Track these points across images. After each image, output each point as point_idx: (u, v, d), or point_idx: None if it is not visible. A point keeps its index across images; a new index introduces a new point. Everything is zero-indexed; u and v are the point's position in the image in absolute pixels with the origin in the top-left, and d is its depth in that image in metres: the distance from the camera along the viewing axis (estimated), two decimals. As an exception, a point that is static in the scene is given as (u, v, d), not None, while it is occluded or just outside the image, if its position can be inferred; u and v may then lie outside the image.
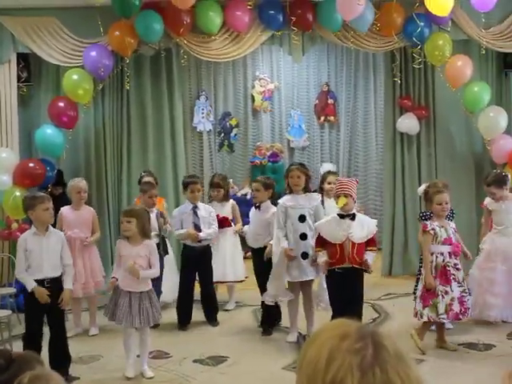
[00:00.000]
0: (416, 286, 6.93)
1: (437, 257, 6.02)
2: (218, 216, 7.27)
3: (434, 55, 8.53)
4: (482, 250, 6.94)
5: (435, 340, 6.18)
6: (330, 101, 11.37)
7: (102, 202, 8.81)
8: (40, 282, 5.53)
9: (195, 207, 7.08)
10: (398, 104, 9.11)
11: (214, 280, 7.31)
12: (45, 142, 8.20)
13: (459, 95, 8.62)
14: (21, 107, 8.66)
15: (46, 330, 5.68)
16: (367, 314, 7.27)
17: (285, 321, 6.99)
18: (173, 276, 7.42)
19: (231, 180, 10.58)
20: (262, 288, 6.68)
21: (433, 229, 6.03)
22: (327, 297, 6.07)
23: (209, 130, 11.13)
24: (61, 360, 5.54)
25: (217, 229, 7.13)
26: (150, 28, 8.03)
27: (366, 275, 5.98)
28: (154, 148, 9.05)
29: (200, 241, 7.05)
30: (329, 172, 7.68)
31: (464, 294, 5.99)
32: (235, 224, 7.67)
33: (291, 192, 6.42)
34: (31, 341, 5.54)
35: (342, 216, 5.79)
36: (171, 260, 7.66)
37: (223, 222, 7.41)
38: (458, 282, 5.98)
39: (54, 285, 5.59)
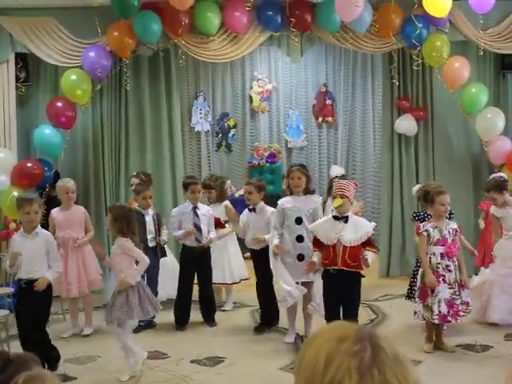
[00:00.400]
0: (410, 287, 6.96)
1: (430, 257, 6.03)
2: None
3: (431, 56, 8.54)
4: (497, 257, 6.93)
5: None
6: (328, 101, 11.38)
7: (99, 202, 8.81)
8: (27, 283, 5.64)
9: (195, 207, 7.09)
10: (395, 105, 9.12)
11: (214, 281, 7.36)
12: (43, 142, 8.19)
13: (457, 96, 8.63)
14: (19, 107, 8.65)
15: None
16: (365, 315, 7.29)
17: (282, 321, 6.99)
18: (169, 278, 7.40)
19: (229, 181, 10.58)
20: (261, 290, 6.69)
21: (426, 230, 6.04)
22: (319, 299, 6.06)
23: (207, 131, 11.13)
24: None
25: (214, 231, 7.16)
26: (149, 28, 8.03)
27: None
28: (152, 148, 9.04)
29: (200, 242, 7.06)
30: (337, 177, 7.64)
31: (455, 297, 5.95)
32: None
33: (292, 193, 6.43)
34: (23, 342, 5.67)
35: (336, 218, 5.78)
36: (168, 262, 7.63)
37: (215, 223, 7.40)
38: (449, 284, 5.96)
39: (30, 287, 5.64)
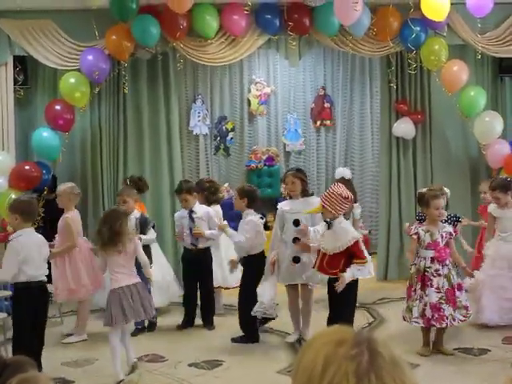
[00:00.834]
0: None
1: (421, 261, 6.05)
2: None
3: (429, 60, 8.56)
4: (487, 256, 6.96)
5: (432, 343, 6.20)
6: (327, 105, 11.38)
7: (97, 206, 8.80)
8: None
9: (191, 211, 7.11)
10: (393, 108, 9.13)
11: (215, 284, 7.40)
12: (41, 145, 8.19)
13: (455, 100, 8.64)
14: (17, 110, 8.64)
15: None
16: (363, 318, 7.30)
17: (279, 325, 7.00)
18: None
19: (226, 184, 10.61)
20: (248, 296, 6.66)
21: (416, 233, 6.06)
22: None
23: (205, 134, 11.13)
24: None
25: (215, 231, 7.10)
26: (147, 32, 8.03)
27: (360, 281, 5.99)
28: (150, 151, 9.03)
29: (196, 246, 7.09)
30: (340, 179, 7.62)
31: (442, 301, 5.93)
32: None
33: (291, 197, 6.47)
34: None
35: (325, 221, 5.85)
36: (161, 266, 7.60)
37: None
38: (436, 288, 5.95)
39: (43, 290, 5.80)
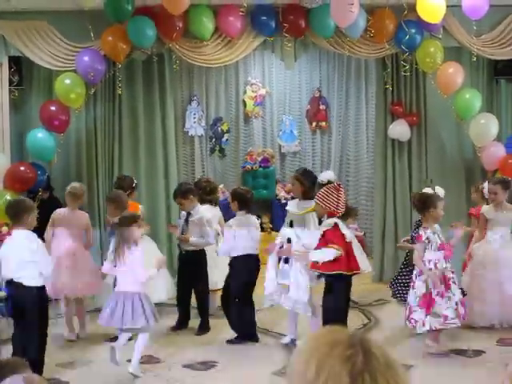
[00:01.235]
0: (401, 291, 7.05)
1: (436, 263, 6.05)
2: None
3: (425, 62, 8.57)
4: (475, 255, 7.01)
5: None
6: (322, 106, 11.39)
7: (93, 207, 8.78)
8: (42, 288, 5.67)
9: (188, 214, 7.11)
10: (389, 110, 9.14)
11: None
12: (36, 146, 8.18)
13: (450, 102, 8.66)
14: (12, 111, 8.63)
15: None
16: (358, 319, 7.31)
17: (276, 326, 7.00)
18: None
19: (222, 185, 10.60)
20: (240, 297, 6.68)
21: (427, 238, 6.09)
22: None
23: (200, 135, 11.13)
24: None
25: (208, 236, 7.03)
26: (143, 33, 8.02)
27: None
28: (146, 153, 9.03)
29: (180, 247, 7.16)
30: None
31: (462, 296, 6.11)
32: None
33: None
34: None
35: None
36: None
37: None
38: (457, 285, 6.09)
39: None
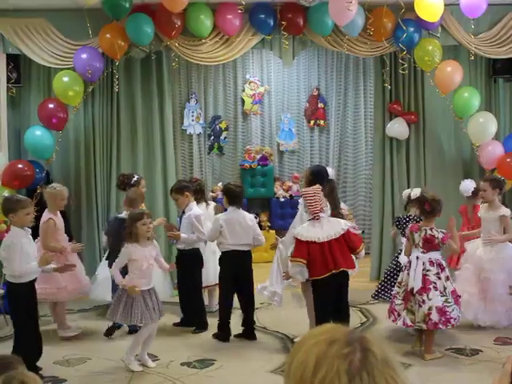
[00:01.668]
0: (386, 288, 7.06)
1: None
2: None
3: (423, 61, 8.57)
4: (467, 252, 7.05)
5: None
6: (320, 105, 11.40)
7: (91, 205, 8.79)
8: (32, 282, 5.62)
9: (183, 213, 7.12)
10: (387, 109, 9.15)
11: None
12: (34, 144, 8.17)
13: (449, 101, 8.66)
14: (10, 108, 8.63)
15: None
16: (356, 318, 7.31)
17: (272, 324, 7.00)
18: None
19: (220, 183, 10.60)
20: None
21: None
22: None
23: (199, 133, 11.13)
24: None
25: (199, 232, 6.99)
26: (141, 31, 8.01)
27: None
28: (144, 151, 9.03)
29: (172, 244, 7.19)
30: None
31: (447, 304, 5.88)
32: None
33: None
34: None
35: None
36: None
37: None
38: (440, 292, 5.90)
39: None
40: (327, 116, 11.47)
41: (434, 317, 5.83)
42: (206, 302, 7.75)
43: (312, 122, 11.44)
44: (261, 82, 11.31)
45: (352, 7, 7.60)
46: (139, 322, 5.91)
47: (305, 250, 5.85)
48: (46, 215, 6.71)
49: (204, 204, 7.60)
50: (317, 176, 6.61)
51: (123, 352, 6.06)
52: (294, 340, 6.52)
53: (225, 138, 11.27)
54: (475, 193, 7.62)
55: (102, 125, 8.84)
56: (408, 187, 8.97)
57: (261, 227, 10.70)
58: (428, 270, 5.94)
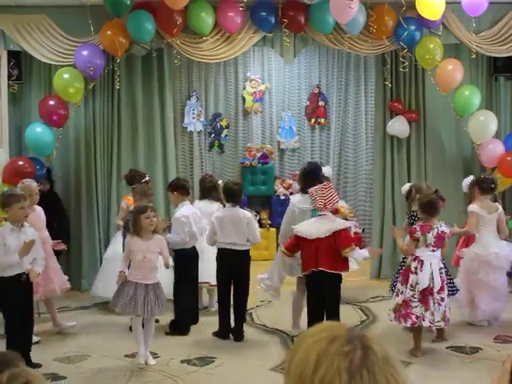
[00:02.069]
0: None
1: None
2: None
3: (424, 59, 8.57)
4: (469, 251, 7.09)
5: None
6: (321, 103, 11.38)
7: (91, 201, 8.79)
8: (16, 277, 5.62)
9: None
10: (388, 107, 9.14)
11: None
12: (34, 141, 8.17)
13: (449, 99, 8.66)
14: (11, 105, 8.62)
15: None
16: (356, 316, 7.32)
17: (272, 322, 7.01)
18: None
19: (221, 181, 10.58)
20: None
21: None
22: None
23: (199, 131, 11.12)
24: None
25: (182, 234, 6.88)
26: (142, 28, 8.01)
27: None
28: (145, 148, 9.03)
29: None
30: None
31: (413, 299, 5.94)
32: None
33: None
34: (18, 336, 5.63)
35: None
36: None
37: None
38: (414, 286, 5.97)
39: (29, 278, 5.74)
40: (328, 114, 11.45)
41: (448, 314, 5.97)
42: (206, 301, 7.77)
43: (313, 120, 11.43)
44: (262, 79, 11.29)
45: (353, 5, 7.60)
46: (120, 311, 5.98)
47: (294, 243, 6.08)
48: None
49: (212, 202, 7.56)
50: (307, 176, 6.69)
51: (123, 349, 6.07)
52: (294, 337, 6.53)
53: (225, 135, 11.26)
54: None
55: (103, 122, 8.84)
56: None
57: (261, 225, 10.71)
58: (441, 268, 5.99)
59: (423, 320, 5.90)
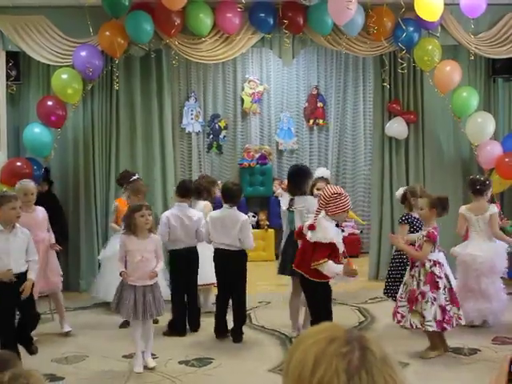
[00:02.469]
0: (393, 287, 7.02)
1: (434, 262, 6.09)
2: None
3: (422, 60, 8.58)
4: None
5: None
6: (320, 104, 11.40)
7: (89, 202, 8.78)
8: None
9: None
10: (386, 108, 9.15)
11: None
12: (32, 141, 8.16)
13: (448, 100, 8.67)
14: (9, 106, 8.61)
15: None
16: (354, 317, 7.32)
17: (270, 323, 7.00)
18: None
19: (219, 182, 10.59)
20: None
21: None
22: None
23: (198, 132, 11.13)
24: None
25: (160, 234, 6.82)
26: (140, 29, 8.01)
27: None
28: (143, 149, 9.03)
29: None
30: (319, 178, 7.60)
31: (447, 303, 5.89)
32: None
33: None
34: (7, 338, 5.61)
35: (337, 225, 5.87)
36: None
37: None
38: (443, 289, 5.92)
39: (22, 279, 5.68)
40: (326, 115, 11.47)
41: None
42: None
43: (311, 121, 11.44)
44: (260, 80, 11.31)
45: (352, 6, 7.60)
46: (124, 316, 5.99)
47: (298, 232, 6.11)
48: None
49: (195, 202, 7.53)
50: (292, 179, 6.81)
51: (121, 350, 6.06)
52: (292, 338, 6.53)
53: (224, 136, 11.27)
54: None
55: (101, 123, 8.83)
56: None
57: (259, 226, 10.73)
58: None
59: (460, 319, 5.95)
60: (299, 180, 6.75)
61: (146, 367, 5.86)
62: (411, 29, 8.40)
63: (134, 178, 7.65)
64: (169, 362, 6.04)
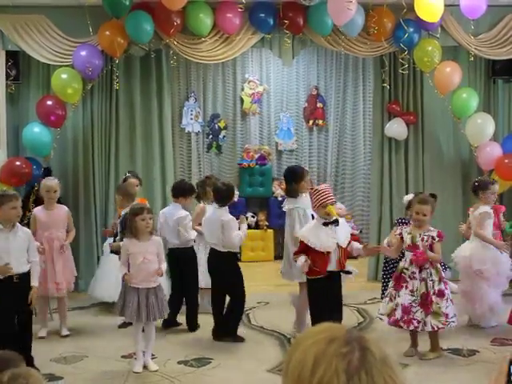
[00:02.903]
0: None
1: (401, 260, 6.17)
2: None
3: (422, 61, 8.57)
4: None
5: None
6: (319, 104, 11.39)
7: (89, 201, 8.78)
8: (9, 279, 5.57)
9: None
10: (386, 109, 9.15)
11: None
12: (32, 141, 8.16)
13: (447, 101, 8.66)
14: (9, 105, 8.61)
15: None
16: (353, 318, 7.32)
17: (269, 323, 6.99)
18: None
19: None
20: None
21: (400, 233, 6.11)
22: None
23: (197, 132, 11.12)
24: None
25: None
26: (140, 28, 8.00)
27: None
28: (143, 149, 9.03)
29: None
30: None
31: (413, 305, 5.88)
32: None
33: None
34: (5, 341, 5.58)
35: (325, 224, 5.81)
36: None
37: None
38: (410, 291, 5.92)
39: (23, 280, 5.67)
40: (326, 116, 11.46)
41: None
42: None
43: (311, 122, 11.44)
44: (260, 81, 11.30)
45: (352, 6, 7.60)
46: (128, 320, 6.01)
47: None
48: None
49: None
50: (287, 178, 6.83)
51: (120, 350, 6.06)
52: (291, 339, 6.53)
53: (223, 136, 11.26)
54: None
55: (101, 122, 8.83)
56: (406, 187, 9.02)
57: (259, 226, 10.73)
58: None
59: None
60: (292, 180, 6.73)
61: (146, 367, 5.86)
62: (411, 29, 8.40)
63: (124, 177, 7.71)
64: (168, 362, 6.04)
